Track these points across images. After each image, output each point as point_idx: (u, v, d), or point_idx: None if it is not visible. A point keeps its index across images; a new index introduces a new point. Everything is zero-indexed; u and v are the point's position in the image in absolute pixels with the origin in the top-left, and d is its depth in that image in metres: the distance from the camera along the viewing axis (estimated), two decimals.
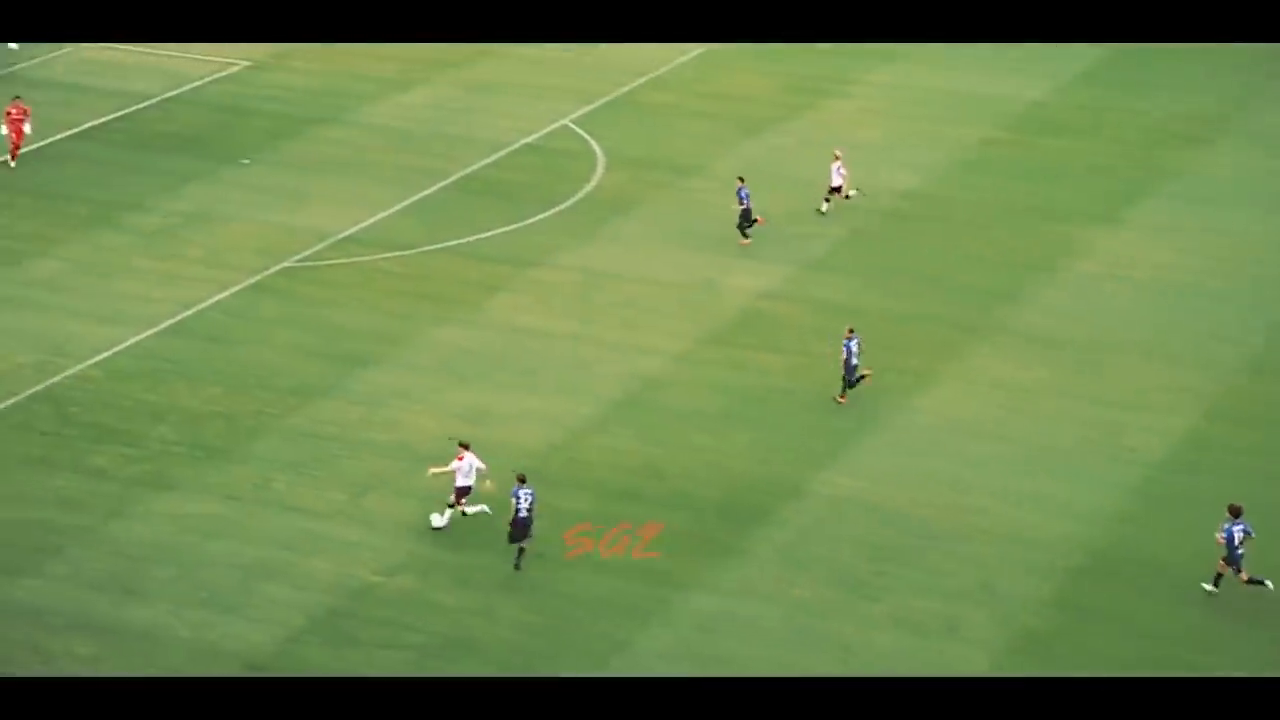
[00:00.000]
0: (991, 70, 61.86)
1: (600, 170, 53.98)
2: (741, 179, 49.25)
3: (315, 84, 59.77)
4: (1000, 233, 50.72)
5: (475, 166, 53.95)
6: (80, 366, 42.03)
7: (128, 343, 43.16)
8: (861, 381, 41.45)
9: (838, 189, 50.73)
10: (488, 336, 44.28)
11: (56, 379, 41.48)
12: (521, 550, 35.33)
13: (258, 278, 46.74)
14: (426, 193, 51.95)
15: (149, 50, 61.64)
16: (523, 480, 35.47)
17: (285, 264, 47.56)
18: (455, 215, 50.47)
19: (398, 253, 48.44)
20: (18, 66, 59.90)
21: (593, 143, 55.91)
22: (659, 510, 37.54)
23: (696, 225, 50.61)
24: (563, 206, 51.50)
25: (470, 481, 36.11)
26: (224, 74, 60.10)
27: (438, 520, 36.39)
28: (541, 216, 50.79)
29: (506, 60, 62.45)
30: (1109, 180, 54.07)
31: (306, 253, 48.20)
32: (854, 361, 41.26)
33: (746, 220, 48.75)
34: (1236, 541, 34.57)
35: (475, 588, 35.08)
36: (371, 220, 50.18)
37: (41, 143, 54.18)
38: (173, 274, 46.69)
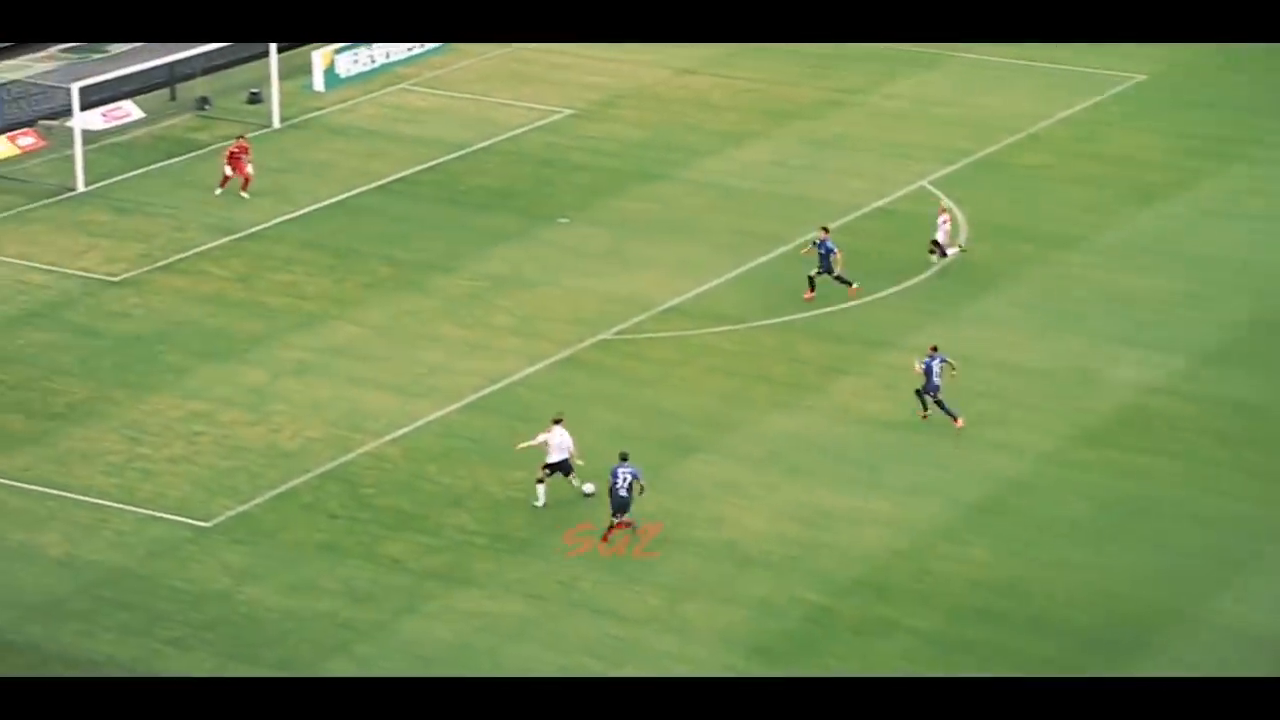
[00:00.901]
0: None
1: (962, 240, 53.79)
2: (826, 229, 49.58)
3: (642, 135, 60.94)
4: None
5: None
6: (376, 443, 43.38)
7: (428, 418, 44.41)
8: (940, 406, 43.66)
9: (939, 243, 51.26)
10: (828, 426, 44.39)
11: (350, 456, 42.88)
12: (620, 525, 39.00)
13: (571, 350, 47.70)
14: (762, 260, 52.43)
15: (463, 96, 63.67)
16: (625, 458, 38.98)
17: (602, 336, 48.46)
18: (794, 286, 50.78)
19: (728, 327, 48.94)
20: (322, 112, 62.42)
21: (954, 208, 55.77)
22: (1020, 635, 37.09)
23: (1073, 306, 50.07)
24: (918, 280, 51.44)
25: (560, 458, 40.13)
26: (543, 123, 61.68)
27: (588, 487, 40.54)
28: (893, 290, 50.79)
29: (856, 112, 62.84)
30: None
31: (626, 324, 49.03)
32: (936, 381, 43.32)
33: (830, 272, 49.36)
34: None
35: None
36: (699, 289, 50.82)
37: (340, 195, 56.32)
38: (479, 343, 47.95)
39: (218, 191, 55.58)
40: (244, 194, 55.51)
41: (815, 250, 49.86)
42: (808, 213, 55.13)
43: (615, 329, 48.81)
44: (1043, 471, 42.60)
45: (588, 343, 48.12)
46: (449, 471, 42.27)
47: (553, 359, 47.27)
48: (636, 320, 49.22)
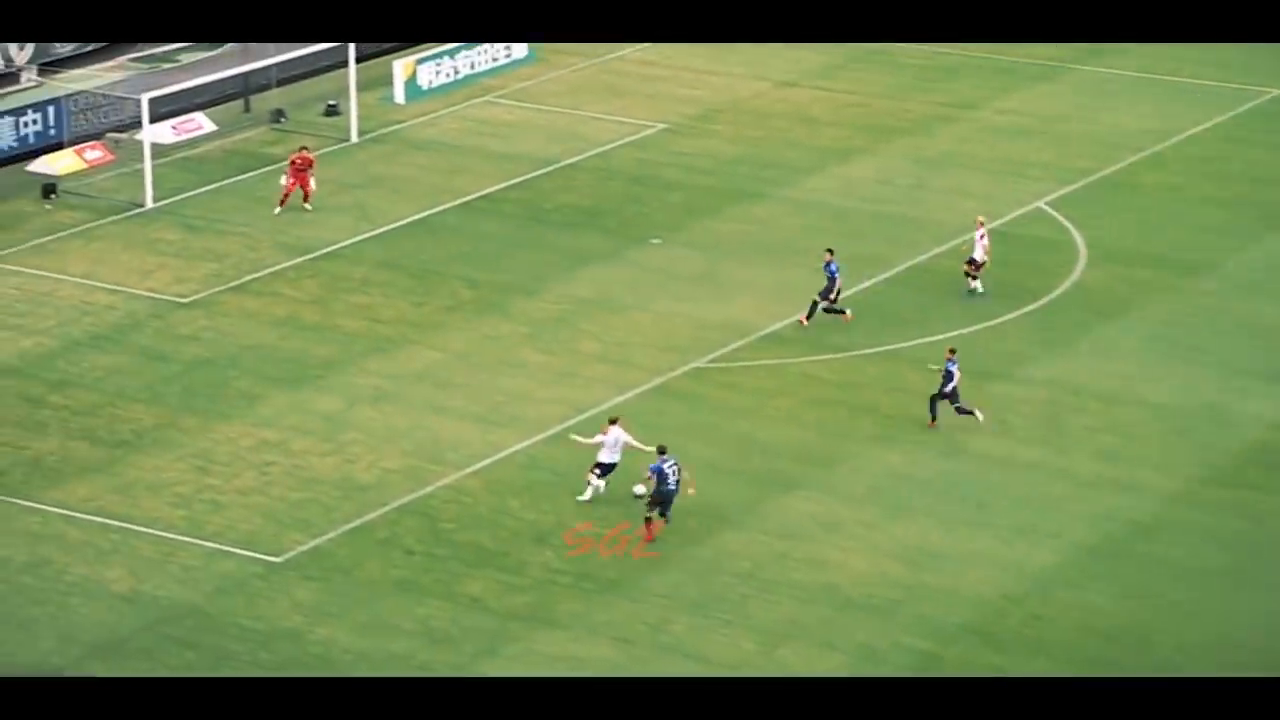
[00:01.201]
0: None
1: (1081, 264, 53.59)
2: (831, 251, 49.76)
3: (740, 151, 61.05)
4: None
5: (926, 255, 54.18)
6: (455, 476, 43.56)
7: (510, 450, 44.56)
8: (932, 402, 44.97)
9: (978, 264, 51.09)
10: (934, 461, 44.26)
11: (428, 489, 43.07)
12: (652, 505, 40.48)
13: (662, 379, 47.77)
14: (865, 285, 52.38)
15: (551, 109, 63.95)
16: (663, 452, 40.50)
17: (695, 364, 48.52)
18: (900, 313, 50.71)
19: (829, 355, 48.90)
20: (403, 125, 62.84)
21: (1073, 230, 55.57)
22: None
23: (1200, 337, 49.77)
24: (1033, 307, 51.29)
25: (615, 459, 41.39)
26: (635, 138, 61.88)
27: (639, 488, 41.14)
28: (1006, 318, 50.64)
29: (967, 127, 62.73)
30: None
31: (720, 351, 49.08)
32: (953, 386, 44.50)
33: (826, 297, 49.50)
34: None
35: None
36: (798, 315, 50.78)
37: (420, 213, 56.66)
38: (564, 370, 48.09)
39: (277, 210, 55.92)
40: (306, 205, 55.94)
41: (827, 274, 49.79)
42: (915, 234, 55.07)
43: (709, 356, 48.86)
44: (1166, 513, 42.31)
45: (680, 371, 48.17)
46: (532, 506, 42.38)
47: (643, 388, 47.34)
48: (732, 347, 49.26)
